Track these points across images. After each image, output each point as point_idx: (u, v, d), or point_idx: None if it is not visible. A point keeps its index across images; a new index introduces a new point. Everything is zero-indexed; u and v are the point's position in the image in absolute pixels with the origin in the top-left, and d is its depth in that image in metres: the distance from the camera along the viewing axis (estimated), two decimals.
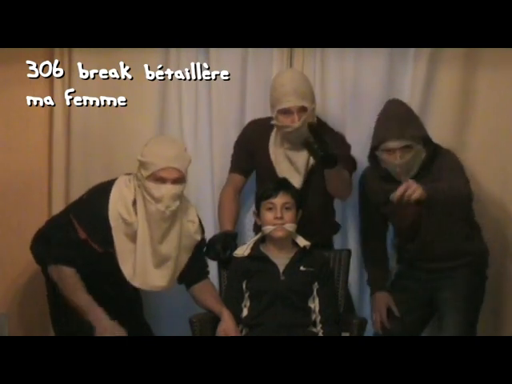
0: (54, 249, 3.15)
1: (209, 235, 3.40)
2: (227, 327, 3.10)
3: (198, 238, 3.24)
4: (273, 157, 3.41)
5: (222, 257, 3.26)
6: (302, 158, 3.33)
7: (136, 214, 3.10)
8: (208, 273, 3.31)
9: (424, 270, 3.33)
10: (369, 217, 3.46)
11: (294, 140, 3.31)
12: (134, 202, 3.11)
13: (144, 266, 3.12)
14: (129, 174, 3.23)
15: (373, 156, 3.30)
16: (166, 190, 3.06)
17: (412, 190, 2.97)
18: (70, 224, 3.13)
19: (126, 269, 3.12)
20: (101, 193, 3.15)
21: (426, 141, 3.24)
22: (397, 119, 3.22)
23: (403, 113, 3.26)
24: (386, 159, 3.23)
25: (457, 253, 3.28)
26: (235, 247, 3.28)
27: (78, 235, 3.10)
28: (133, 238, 3.11)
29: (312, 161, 3.29)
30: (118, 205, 3.10)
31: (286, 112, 3.27)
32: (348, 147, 3.43)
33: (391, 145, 3.19)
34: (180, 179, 3.09)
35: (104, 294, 3.25)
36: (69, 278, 3.12)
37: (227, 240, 3.28)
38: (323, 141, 3.10)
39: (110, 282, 3.23)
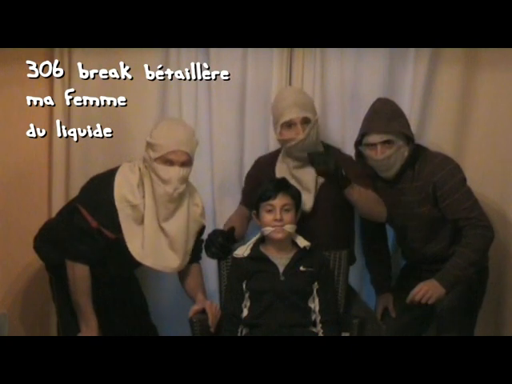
0: (67, 244, 3.16)
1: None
2: (196, 307, 3.14)
3: (203, 221, 3.27)
4: None
5: (225, 249, 3.23)
6: (310, 175, 3.30)
7: (142, 196, 3.12)
8: (200, 258, 3.33)
9: (423, 269, 3.33)
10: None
11: (299, 154, 3.28)
12: (139, 186, 3.13)
13: (155, 245, 3.13)
14: (130, 161, 3.24)
15: (358, 153, 3.30)
16: (174, 172, 3.09)
17: (427, 297, 3.06)
18: (78, 215, 3.14)
19: (135, 249, 3.13)
20: (105, 179, 3.17)
21: (409, 139, 3.24)
22: (380, 115, 3.23)
23: (387, 109, 3.26)
24: (368, 154, 3.25)
25: (449, 255, 3.28)
26: (234, 240, 3.28)
27: (89, 224, 3.11)
28: (139, 220, 3.13)
29: (321, 178, 3.29)
30: (123, 188, 3.12)
31: (290, 125, 3.26)
32: (358, 166, 3.38)
33: (372, 139, 3.20)
34: (188, 162, 3.13)
35: (111, 295, 3.30)
36: (80, 279, 3.14)
37: (226, 233, 3.26)
38: (329, 155, 3.17)
39: (113, 280, 3.25)
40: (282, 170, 3.39)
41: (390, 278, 3.48)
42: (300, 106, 3.27)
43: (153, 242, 3.13)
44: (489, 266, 3.36)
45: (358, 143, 3.28)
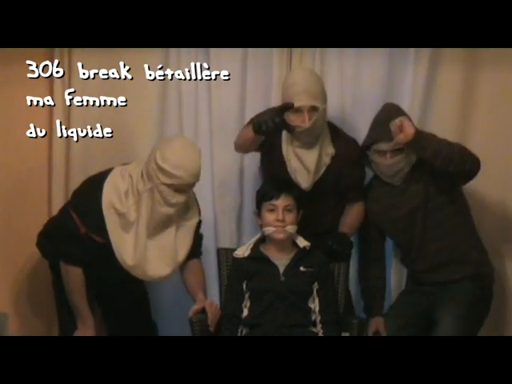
0: (59, 246, 3.20)
1: (208, 237, 3.43)
2: (196, 307, 3.14)
3: (196, 220, 3.26)
4: (284, 153, 3.39)
5: (280, 127, 3.19)
6: (312, 156, 3.32)
7: (131, 204, 3.12)
8: (200, 253, 3.34)
9: (426, 282, 3.32)
10: (365, 233, 3.44)
11: (304, 139, 3.30)
12: (127, 193, 3.13)
13: (143, 255, 3.14)
14: (125, 164, 3.25)
15: (363, 157, 3.32)
16: (181, 198, 3.11)
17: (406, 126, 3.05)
18: (69, 218, 3.17)
19: (123, 259, 3.14)
20: (95, 184, 3.18)
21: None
22: (389, 123, 3.19)
23: (396, 116, 3.22)
24: (376, 160, 3.27)
25: (457, 261, 3.27)
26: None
27: (78, 230, 3.13)
28: (126, 228, 3.14)
29: (323, 160, 3.33)
30: (112, 195, 3.12)
31: (297, 111, 3.25)
32: (358, 156, 3.39)
33: (383, 147, 3.22)
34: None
35: (110, 291, 3.33)
36: (73, 279, 3.18)
37: (282, 114, 3.21)
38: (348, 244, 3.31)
39: (116, 278, 3.26)
40: (286, 144, 3.38)
41: (382, 305, 3.43)
42: (310, 94, 3.25)
43: (142, 253, 3.14)
44: (493, 286, 3.35)
45: (366, 148, 3.28)
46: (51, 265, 3.33)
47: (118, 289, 3.34)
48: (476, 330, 3.27)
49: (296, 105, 3.23)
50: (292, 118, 3.26)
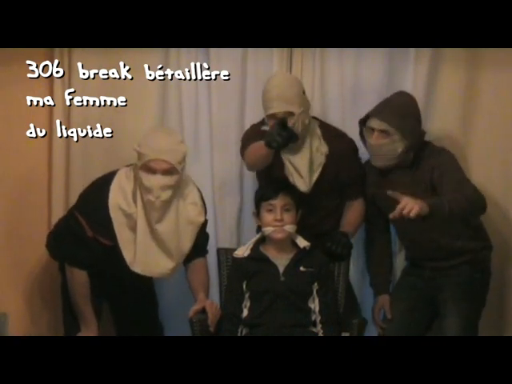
0: (65, 249, 3.21)
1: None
2: (196, 307, 3.15)
3: (201, 219, 3.26)
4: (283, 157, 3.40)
5: (288, 140, 3.16)
6: (303, 160, 3.32)
7: (135, 204, 3.14)
8: (206, 252, 3.35)
9: (426, 268, 3.33)
10: (369, 213, 3.46)
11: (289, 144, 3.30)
12: (134, 193, 3.15)
13: (145, 252, 3.15)
14: (130, 165, 3.26)
15: (361, 132, 3.33)
16: (156, 180, 3.10)
17: (408, 208, 2.92)
18: (75, 221, 3.17)
19: (128, 256, 3.16)
20: (101, 186, 3.19)
21: (408, 136, 3.21)
22: (390, 104, 3.24)
23: (399, 102, 3.26)
24: (366, 136, 3.27)
25: (456, 252, 3.28)
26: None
27: (85, 233, 3.14)
28: (133, 228, 3.15)
29: (317, 160, 3.32)
30: (118, 197, 3.14)
31: (273, 117, 3.24)
32: (353, 149, 3.41)
33: (372, 123, 3.22)
34: (170, 170, 3.12)
35: (117, 291, 3.34)
36: (78, 281, 3.20)
37: (287, 126, 3.17)
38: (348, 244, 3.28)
39: (123, 277, 3.26)
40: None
41: (389, 280, 3.47)
42: (283, 100, 3.23)
43: (144, 249, 3.15)
44: (490, 265, 3.36)
45: (363, 123, 3.29)
46: (60, 266, 3.33)
47: (126, 288, 3.34)
48: (479, 314, 3.30)
49: (270, 112, 3.23)
50: (271, 124, 3.25)
